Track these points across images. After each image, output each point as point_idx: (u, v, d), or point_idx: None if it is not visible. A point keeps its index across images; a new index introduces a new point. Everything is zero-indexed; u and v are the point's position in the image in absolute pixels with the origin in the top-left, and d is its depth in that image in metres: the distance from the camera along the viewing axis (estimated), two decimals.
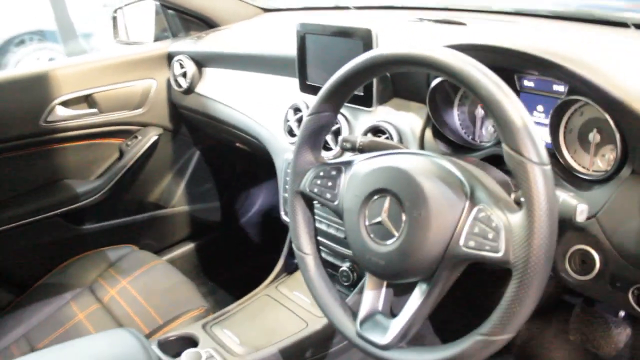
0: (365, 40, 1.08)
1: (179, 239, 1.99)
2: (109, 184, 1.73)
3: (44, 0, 3.65)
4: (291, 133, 1.32)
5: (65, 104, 1.62)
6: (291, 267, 1.40)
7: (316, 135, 0.89)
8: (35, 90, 1.57)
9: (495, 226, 0.66)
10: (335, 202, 0.85)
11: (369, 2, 1.68)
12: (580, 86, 0.81)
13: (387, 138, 1.09)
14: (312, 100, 1.23)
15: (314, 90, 1.24)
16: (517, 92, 0.98)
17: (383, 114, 1.13)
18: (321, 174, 0.88)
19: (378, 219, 0.76)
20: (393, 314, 0.81)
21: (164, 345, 1.13)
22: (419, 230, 0.71)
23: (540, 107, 0.94)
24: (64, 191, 1.68)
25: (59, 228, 1.68)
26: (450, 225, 0.70)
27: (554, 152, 0.91)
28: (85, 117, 1.66)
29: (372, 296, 0.83)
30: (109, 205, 1.76)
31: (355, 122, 1.18)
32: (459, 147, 1.04)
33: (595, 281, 0.83)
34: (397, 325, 0.77)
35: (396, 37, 1.24)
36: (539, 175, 0.61)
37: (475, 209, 0.69)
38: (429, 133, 1.06)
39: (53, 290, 1.51)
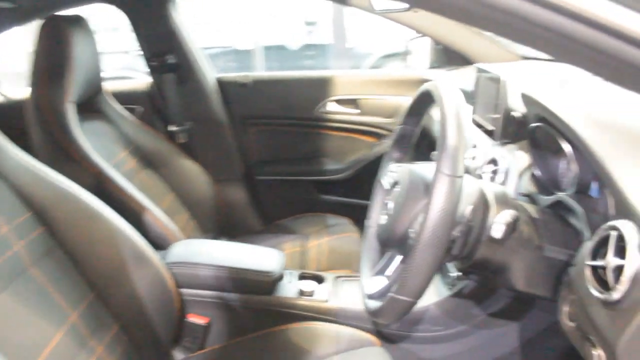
0: (497, 84, 1.27)
1: None
2: (352, 170, 2.21)
3: None
4: None
5: (337, 101, 2.17)
6: None
7: (400, 140, 1.17)
8: (319, 87, 2.16)
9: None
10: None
11: None
12: None
13: (496, 167, 1.27)
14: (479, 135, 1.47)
15: (476, 123, 1.46)
16: None
17: (507, 150, 1.30)
18: (394, 169, 1.16)
19: (389, 202, 1.02)
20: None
21: (301, 275, 1.54)
22: (396, 212, 0.95)
23: None
24: (319, 165, 2.24)
25: (306, 189, 2.26)
26: (413, 213, 0.93)
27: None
28: (348, 115, 2.18)
29: (385, 264, 1.08)
30: (346, 187, 2.24)
31: (483, 150, 1.36)
32: (546, 190, 1.15)
33: (575, 332, 0.90)
34: (382, 285, 1.02)
35: (521, 84, 1.35)
36: (443, 182, 0.81)
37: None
38: (529, 173, 1.20)
39: (283, 229, 2.07)
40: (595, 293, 0.77)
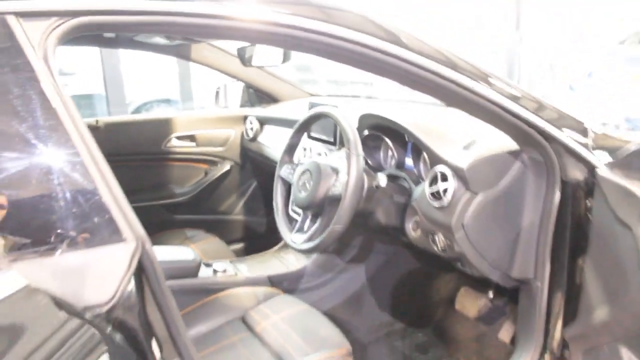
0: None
1: (232, 239, 2.89)
2: (194, 192, 2.71)
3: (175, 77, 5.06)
4: None
5: (178, 137, 2.65)
6: None
7: (291, 148, 1.80)
8: (162, 126, 2.62)
9: (342, 181, 1.53)
10: (293, 180, 1.74)
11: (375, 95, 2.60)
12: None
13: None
14: (314, 144, 2.15)
15: (315, 139, 2.16)
16: (406, 143, 1.85)
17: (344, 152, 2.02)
18: (290, 167, 1.78)
19: (303, 183, 1.64)
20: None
21: (205, 263, 2.03)
22: (316, 185, 1.58)
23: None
24: (167, 190, 2.68)
25: (159, 212, 2.67)
26: (329, 183, 1.57)
27: (414, 171, 1.76)
28: (188, 147, 2.68)
29: (301, 223, 1.69)
30: (191, 205, 2.73)
31: (330, 154, 2.07)
32: (374, 169, 1.90)
33: (421, 236, 1.63)
34: (306, 236, 1.63)
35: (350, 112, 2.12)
36: (354, 159, 1.48)
37: (339, 175, 1.56)
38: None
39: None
40: (435, 204, 1.51)
